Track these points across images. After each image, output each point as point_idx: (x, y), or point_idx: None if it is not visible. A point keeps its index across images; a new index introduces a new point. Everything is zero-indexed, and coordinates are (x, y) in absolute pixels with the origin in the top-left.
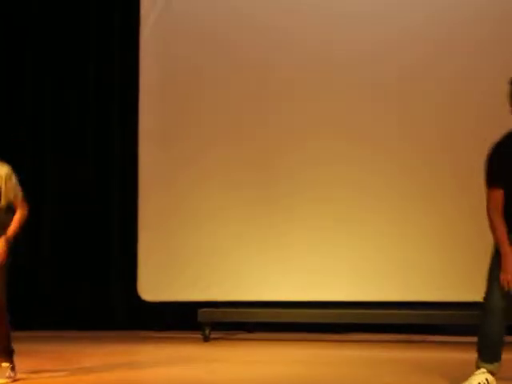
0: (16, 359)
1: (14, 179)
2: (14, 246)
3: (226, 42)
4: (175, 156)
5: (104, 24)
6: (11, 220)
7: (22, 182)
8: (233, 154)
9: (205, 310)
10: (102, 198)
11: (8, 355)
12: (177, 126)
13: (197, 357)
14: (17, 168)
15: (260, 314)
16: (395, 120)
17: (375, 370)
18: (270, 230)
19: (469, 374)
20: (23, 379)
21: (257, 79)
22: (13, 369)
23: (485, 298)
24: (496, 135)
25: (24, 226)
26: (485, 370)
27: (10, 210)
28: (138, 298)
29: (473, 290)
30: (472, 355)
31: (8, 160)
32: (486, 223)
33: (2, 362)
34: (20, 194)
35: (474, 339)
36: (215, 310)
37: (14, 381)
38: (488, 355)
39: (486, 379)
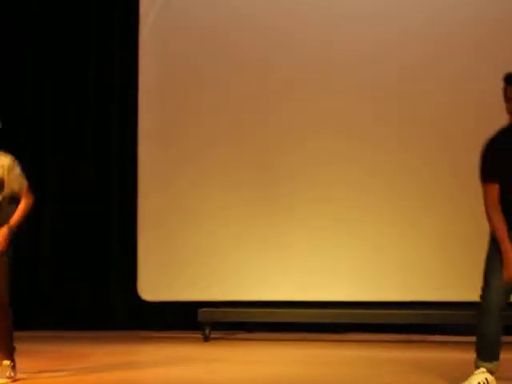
0: (16, 359)
1: (17, 169)
2: (16, 237)
3: (226, 42)
4: (175, 156)
5: (103, 23)
6: (15, 211)
7: None
8: (233, 154)
9: (205, 309)
10: (101, 197)
11: (9, 352)
12: (176, 125)
13: (197, 357)
14: None
15: (260, 313)
16: (395, 120)
17: (375, 369)
18: (269, 230)
19: (468, 374)
20: (23, 379)
21: (257, 79)
22: (13, 367)
23: (481, 296)
24: None
25: (27, 219)
26: (484, 370)
27: (14, 200)
28: (138, 297)
29: (472, 290)
30: (471, 355)
31: None
32: (485, 223)
33: (4, 359)
34: (25, 184)
35: (474, 339)
36: (215, 309)
37: (14, 381)
38: (486, 354)
39: (486, 379)
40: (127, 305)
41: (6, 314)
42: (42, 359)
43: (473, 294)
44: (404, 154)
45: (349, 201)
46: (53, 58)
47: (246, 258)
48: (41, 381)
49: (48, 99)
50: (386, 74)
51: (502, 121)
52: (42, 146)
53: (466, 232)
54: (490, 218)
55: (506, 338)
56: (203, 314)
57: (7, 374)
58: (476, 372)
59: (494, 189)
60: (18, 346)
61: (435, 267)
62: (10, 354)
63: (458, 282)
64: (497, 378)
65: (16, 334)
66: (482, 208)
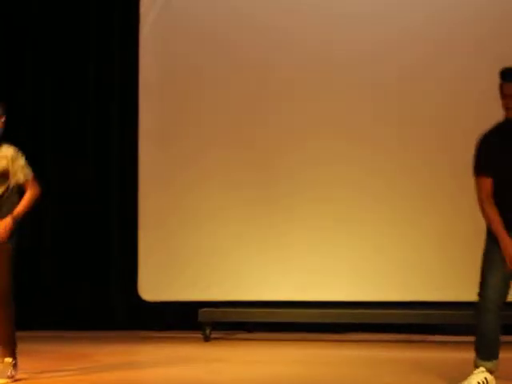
0: (17, 359)
1: (21, 160)
2: (20, 227)
3: (226, 42)
4: (175, 156)
5: (104, 23)
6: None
7: None
8: (233, 154)
9: (205, 309)
10: (102, 197)
11: (11, 349)
12: (176, 125)
13: (197, 357)
14: None
15: (260, 313)
16: (395, 120)
17: (375, 369)
18: (269, 230)
19: (468, 374)
20: (24, 379)
21: (257, 79)
22: (15, 366)
23: (479, 294)
24: None
25: (28, 218)
26: (483, 369)
27: (19, 192)
28: (139, 297)
29: (472, 290)
30: (471, 355)
31: None
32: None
33: (6, 355)
34: (30, 175)
35: (473, 339)
36: (215, 309)
37: (15, 380)
38: (485, 353)
39: (485, 378)
40: (127, 305)
41: (7, 305)
42: (43, 359)
43: (472, 293)
44: (404, 154)
45: (349, 201)
46: (53, 57)
47: (246, 258)
48: (41, 381)
49: (48, 99)
50: (386, 74)
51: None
52: (42, 145)
53: (465, 232)
54: (484, 211)
55: (505, 338)
56: (203, 314)
57: (8, 373)
58: (475, 371)
59: (487, 182)
60: (19, 345)
61: (435, 267)
62: (12, 351)
63: (458, 282)
64: (496, 378)
65: (16, 333)
66: None
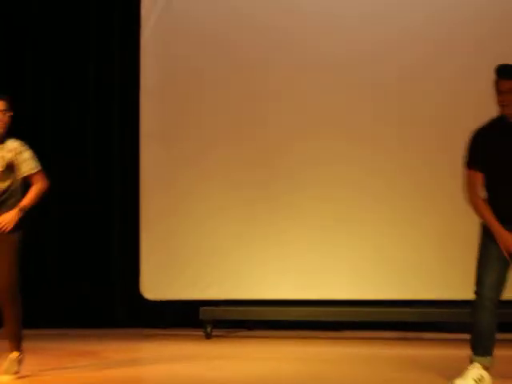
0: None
1: (27, 153)
2: (26, 223)
3: (227, 43)
4: (176, 156)
5: (104, 24)
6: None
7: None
8: (233, 154)
9: (206, 308)
10: (103, 198)
11: (18, 342)
12: (177, 126)
13: (199, 354)
14: None
15: (260, 312)
16: (395, 120)
17: (374, 366)
18: (269, 229)
19: (464, 371)
20: (28, 376)
21: (257, 79)
22: (20, 361)
23: (476, 292)
24: None
25: (31, 218)
26: (479, 366)
27: (24, 186)
28: (141, 297)
29: (471, 289)
30: (468, 352)
31: None
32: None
33: (13, 350)
34: (37, 167)
35: (469, 336)
36: (216, 308)
37: (21, 377)
38: (480, 349)
39: (481, 375)
40: (130, 304)
41: (14, 298)
42: (48, 356)
43: (471, 292)
44: (404, 154)
45: (349, 200)
46: (53, 58)
47: (246, 257)
48: (48, 378)
49: (48, 99)
50: (386, 74)
51: None
52: (42, 146)
53: (465, 232)
54: (474, 204)
55: (502, 336)
56: (205, 313)
57: (15, 368)
58: (471, 367)
59: (476, 176)
60: (24, 343)
61: (435, 267)
62: (18, 345)
63: (458, 281)
64: (493, 376)
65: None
66: None
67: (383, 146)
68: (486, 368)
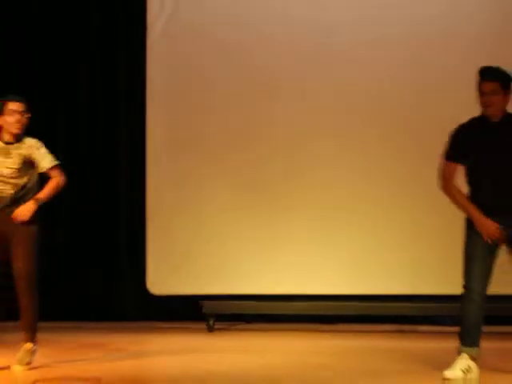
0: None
1: (44, 150)
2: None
3: (234, 50)
4: (182, 157)
5: (109, 29)
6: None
7: None
8: (234, 155)
9: (209, 302)
10: (111, 198)
11: (33, 333)
12: (183, 129)
13: (202, 346)
14: None
15: (259, 306)
16: (395, 120)
17: (367, 358)
18: (269, 229)
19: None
20: (39, 367)
21: (264, 84)
22: (34, 352)
23: (464, 286)
24: None
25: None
26: (467, 357)
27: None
28: (148, 291)
29: None
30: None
31: None
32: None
33: (28, 341)
34: (54, 162)
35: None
36: (219, 302)
37: (32, 368)
38: (467, 339)
39: (468, 365)
40: (138, 299)
41: (32, 289)
42: (59, 348)
43: None
44: (404, 154)
45: (349, 200)
46: (53, 60)
47: (247, 254)
48: (58, 369)
49: (55, 105)
50: (386, 74)
51: None
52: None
53: (463, 227)
54: (451, 196)
55: (489, 329)
56: (207, 307)
57: (27, 359)
58: (458, 358)
59: (452, 167)
60: (38, 335)
61: (434, 262)
62: (33, 336)
63: (458, 276)
64: (480, 368)
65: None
66: None
67: (383, 145)
68: (473, 359)
